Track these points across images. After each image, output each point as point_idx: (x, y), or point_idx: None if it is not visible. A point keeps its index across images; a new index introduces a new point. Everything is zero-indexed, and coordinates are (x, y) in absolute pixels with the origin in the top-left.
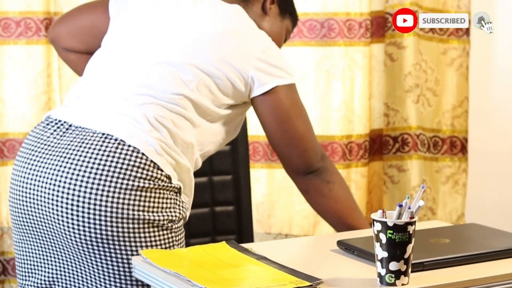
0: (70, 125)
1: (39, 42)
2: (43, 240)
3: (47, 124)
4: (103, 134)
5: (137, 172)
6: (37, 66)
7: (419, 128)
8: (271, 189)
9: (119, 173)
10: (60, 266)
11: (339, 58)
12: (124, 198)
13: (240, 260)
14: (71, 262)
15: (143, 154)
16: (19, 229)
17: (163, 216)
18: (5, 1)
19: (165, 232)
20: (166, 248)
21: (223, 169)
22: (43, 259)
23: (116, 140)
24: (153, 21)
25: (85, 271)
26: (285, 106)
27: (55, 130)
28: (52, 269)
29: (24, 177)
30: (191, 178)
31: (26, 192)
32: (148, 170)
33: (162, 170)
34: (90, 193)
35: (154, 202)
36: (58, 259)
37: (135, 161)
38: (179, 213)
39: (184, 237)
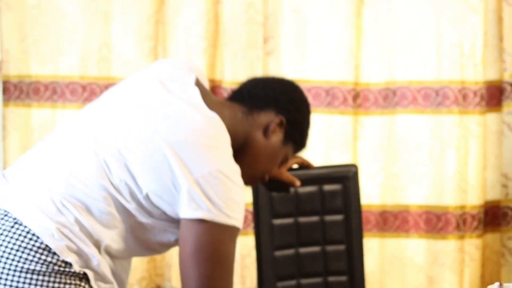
0: None
1: None
2: None
3: None
4: (5, 211)
5: (28, 254)
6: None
7: None
8: (383, 259)
9: (9, 253)
10: None
11: (454, 127)
12: (12, 281)
13: None
14: None
15: (38, 237)
16: None
17: None
18: None
19: None
20: None
21: (336, 238)
22: None
23: (14, 219)
24: (116, 105)
25: None
26: (203, 243)
27: None
28: None
29: None
30: (110, 267)
31: None
32: (41, 254)
33: (58, 256)
34: None
35: (47, 286)
36: None
37: (28, 243)
38: None
39: None
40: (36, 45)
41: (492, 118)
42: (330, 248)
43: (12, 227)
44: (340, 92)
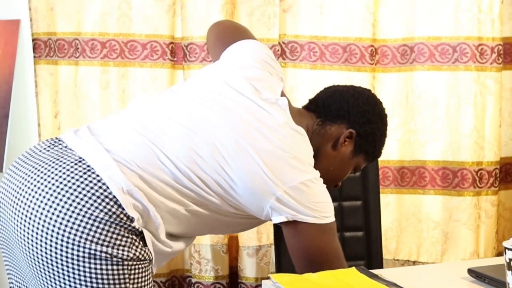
0: (60, 143)
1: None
2: (8, 249)
3: (47, 140)
4: (80, 157)
5: (95, 201)
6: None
7: None
8: (399, 214)
9: (76, 196)
10: (17, 281)
11: (471, 83)
12: (73, 223)
13: (370, 286)
14: (23, 278)
15: (107, 187)
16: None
17: (113, 250)
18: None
19: (114, 267)
20: (114, 284)
21: (353, 194)
22: (11, 269)
23: (88, 166)
24: (213, 96)
25: None
26: (303, 244)
27: (47, 145)
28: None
29: (3, 182)
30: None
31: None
32: (107, 203)
33: (123, 209)
34: (43, 208)
35: (106, 235)
36: (16, 271)
37: (96, 191)
38: (134, 253)
39: (151, 278)
40: (60, 2)
41: (507, 75)
42: (346, 204)
43: (85, 173)
44: (358, 49)
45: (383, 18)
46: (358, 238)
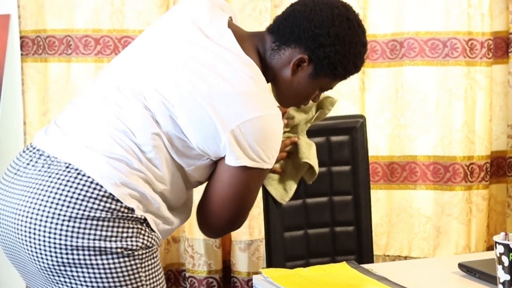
0: (42, 154)
1: None
2: (19, 264)
3: (24, 151)
4: (65, 163)
5: (93, 203)
6: None
7: None
8: (389, 210)
9: (75, 203)
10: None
11: (461, 78)
12: (79, 228)
13: (361, 281)
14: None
15: (101, 186)
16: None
17: (122, 244)
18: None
19: (126, 259)
20: (128, 275)
21: (343, 189)
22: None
23: (76, 170)
24: (156, 51)
25: None
26: (239, 185)
27: (29, 159)
28: None
29: None
30: (168, 210)
31: None
32: (106, 202)
33: (121, 202)
34: (46, 221)
35: (112, 231)
36: (31, 282)
37: (92, 192)
38: (142, 241)
39: (160, 263)
40: None
41: (498, 69)
42: (337, 198)
43: (76, 177)
44: None
45: (372, 13)
46: (349, 233)
